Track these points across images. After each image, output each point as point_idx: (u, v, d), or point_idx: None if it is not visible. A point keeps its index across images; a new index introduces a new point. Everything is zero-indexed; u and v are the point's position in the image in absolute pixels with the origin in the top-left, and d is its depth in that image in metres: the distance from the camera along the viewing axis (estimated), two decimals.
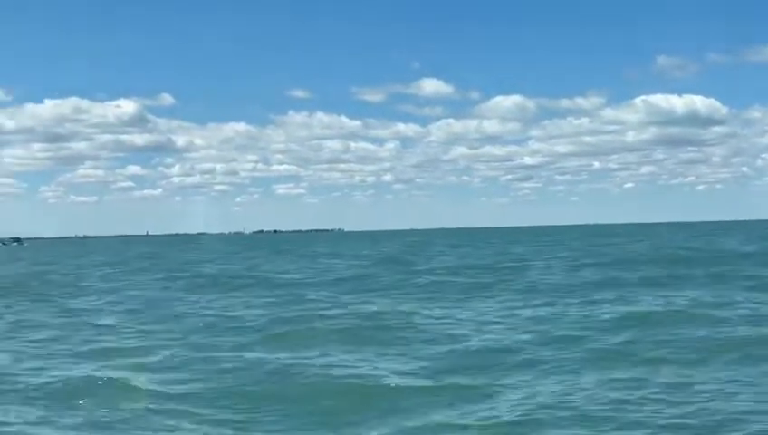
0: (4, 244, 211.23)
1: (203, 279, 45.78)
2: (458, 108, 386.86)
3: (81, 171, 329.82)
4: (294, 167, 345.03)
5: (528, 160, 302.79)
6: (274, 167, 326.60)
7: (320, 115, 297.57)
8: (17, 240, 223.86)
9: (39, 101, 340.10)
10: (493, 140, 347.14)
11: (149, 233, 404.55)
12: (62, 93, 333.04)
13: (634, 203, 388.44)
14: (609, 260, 53.43)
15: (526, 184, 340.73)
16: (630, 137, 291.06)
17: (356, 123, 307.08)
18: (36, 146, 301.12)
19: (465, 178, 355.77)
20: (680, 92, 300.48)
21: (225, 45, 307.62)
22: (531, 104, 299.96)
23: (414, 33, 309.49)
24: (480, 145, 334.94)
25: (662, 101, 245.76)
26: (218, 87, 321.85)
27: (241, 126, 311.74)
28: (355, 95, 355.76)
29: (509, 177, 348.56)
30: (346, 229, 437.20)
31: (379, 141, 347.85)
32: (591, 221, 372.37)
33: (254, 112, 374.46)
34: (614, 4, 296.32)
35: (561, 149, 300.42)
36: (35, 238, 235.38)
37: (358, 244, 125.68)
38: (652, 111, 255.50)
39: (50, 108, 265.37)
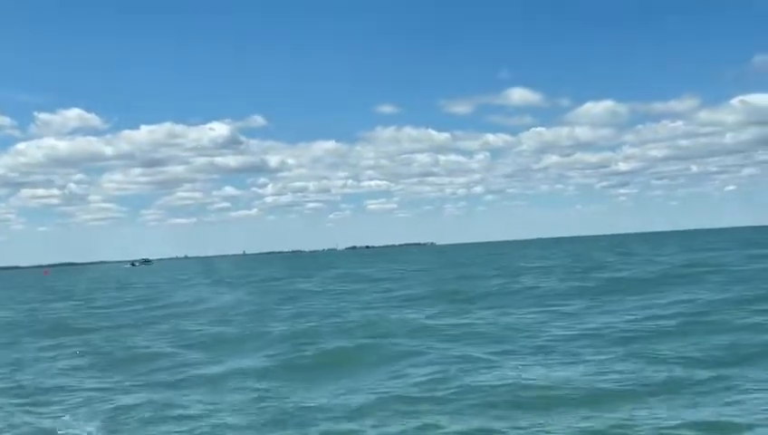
0: (133, 265, 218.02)
1: None
2: (548, 116, 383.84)
3: (178, 194, 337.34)
4: (385, 182, 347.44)
5: (623, 166, 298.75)
6: (365, 183, 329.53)
7: (408, 129, 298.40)
8: (147, 261, 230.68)
9: (135, 127, 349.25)
10: (585, 146, 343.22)
11: (246, 252, 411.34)
12: (157, 119, 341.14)
13: (736, 206, 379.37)
14: None
15: (622, 190, 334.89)
16: (729, 139, 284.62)
17: (445, 136, 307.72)
18: (135, 171, 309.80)
19: (558, 186, 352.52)
20: None
21: (311, 65, 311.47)
22: (623, 109, 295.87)
23: (500, 43, 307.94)
24: (572, 152, 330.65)
25: (761, 100, 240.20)
26: (307, 106, 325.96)
27: (330, 144, 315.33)
28: (443, 108, 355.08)
29: (604, 183, 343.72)
30: (438, 243, 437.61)
31: (469, 153, 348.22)
32: (692, 226, 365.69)
33: (343, 129, 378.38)
34: (706, 4, 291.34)
35: (657, 153, 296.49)
36: (140, 259, 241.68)
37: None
38: (751, 111, 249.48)
39: (146, 134, 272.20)
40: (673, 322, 24.55)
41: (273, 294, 49.82)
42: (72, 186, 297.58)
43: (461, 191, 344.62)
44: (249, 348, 24.00)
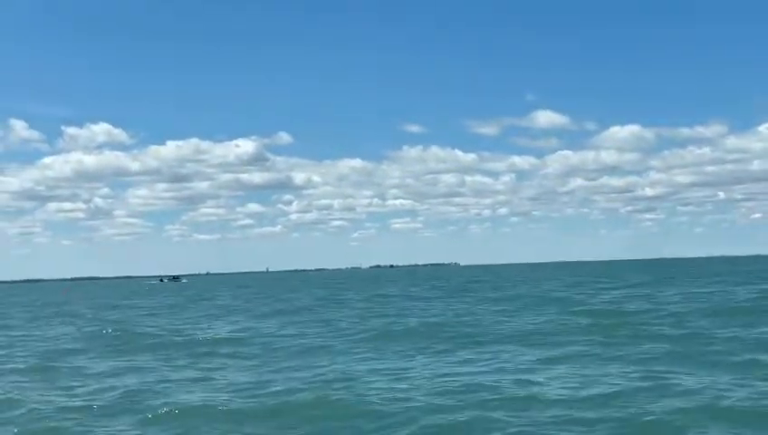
0: (162, 281, 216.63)
1: None
2: (574, 139, 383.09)
3: (203, 210, 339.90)
4: (410, 201, 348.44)
5: (648, 191, 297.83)
6: (390, 202, 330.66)
7: (434, 149, 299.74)
8: (176, 278, 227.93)
9: (161, 142, 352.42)
10: (611, 170, 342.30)
11: (269, 269, 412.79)
12: (184, 135, 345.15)
13: (762, 234, 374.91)
14: None
15: (648, 215, 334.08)
16: (756, 166, 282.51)
17: (471, 157, 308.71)
18: (160, 186, 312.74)
19: (583, 209, 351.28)
20: None
21: (338, 83, 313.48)
22: (649, 134, 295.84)
23: (527, 66, 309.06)
24: (598, 176, 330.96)
25: None
26: (333, 124, 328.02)
27: (357, 162, 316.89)
28: (469, 129, 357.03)
29: (629, 208, 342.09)
30: (462, 263, 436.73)
31: (495, 174, 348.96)
32: (717, 253, 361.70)
33: (370, 148, 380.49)
34: (733, 28, 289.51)
35: (683, 179, 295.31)
36: (170, 276, 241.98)
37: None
38: None
39: (172, 149, 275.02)
40: None
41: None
42: (98, 200, 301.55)
43: (486, 212, 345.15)
44: None
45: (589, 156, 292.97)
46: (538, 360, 23.52)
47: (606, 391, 17.72)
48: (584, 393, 17.65)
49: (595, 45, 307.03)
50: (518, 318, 38.64)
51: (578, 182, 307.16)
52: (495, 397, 17.52)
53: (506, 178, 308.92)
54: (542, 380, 19.70)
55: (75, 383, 22.36)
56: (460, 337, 30.48)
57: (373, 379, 20.80)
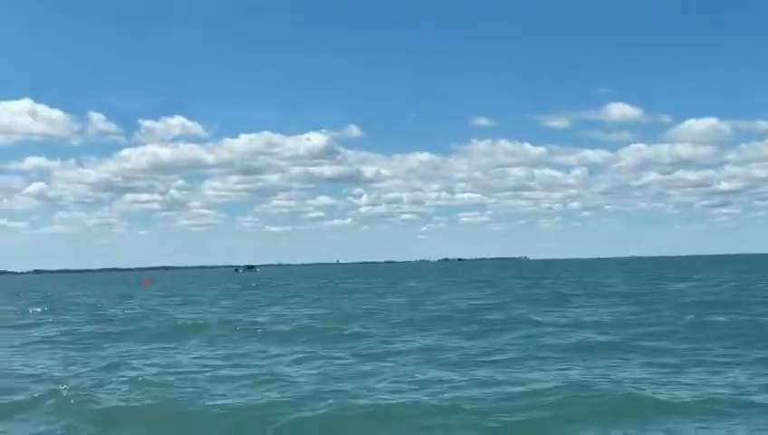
0: (237, 271, 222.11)
1: None
2: (648, 132, 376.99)
3: (274, 202, 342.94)
4: (478, 195, 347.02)
5: (725, 186, 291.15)
6: (458, 195, 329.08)
7: (503, 143, 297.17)
8: (251, 268, 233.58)
9: (235, 136, 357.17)
10: (686, 164, 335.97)
11: (339, 261, 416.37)
12: (256, 128, 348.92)
13: None
14: None
15: (724, 210, 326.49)
16: None
17: (540, 150, 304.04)
18: (233, 178, 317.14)
19: (657, 204, 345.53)
20: None
21: (407, 76, 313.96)
22: (726, 127, 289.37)
23: (599, 58, 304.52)
24: (672, 170, 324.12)
25: None
26: (402, 118, 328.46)
27: (425, 156, 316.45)
28: (539, 122, 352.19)
29: (705, 202, 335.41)
30: (531, 257, 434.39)
31: (566, 168, 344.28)
32: None
33: (438, 142, 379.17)
34: None
35: (760, 173, 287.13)
36: (244, 265, 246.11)
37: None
38: None
39: (245, 142, 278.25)
40: None
41: None
42: (174, 192, 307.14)
43: (557, 206, 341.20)
44: None
45: (663, 149, 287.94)
46: None
47: None
48: None
49: (670, 39, 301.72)
50: None
51: (652, 176, 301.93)
52: None
53: (577, 171, 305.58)
54: None
55: None
56: None
57: None
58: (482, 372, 18.76)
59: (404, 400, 15.65)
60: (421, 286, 76.10)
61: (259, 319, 36.89)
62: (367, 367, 20.09)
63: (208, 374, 19.46)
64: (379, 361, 21.32)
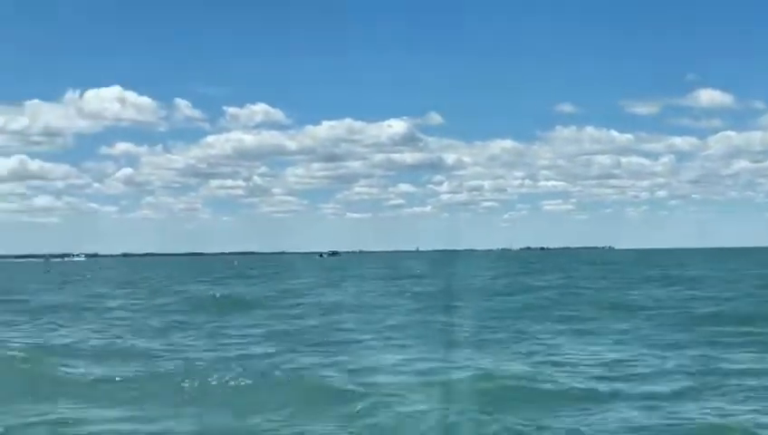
0: (321, 256, 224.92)
1: None
2: (739, 119, 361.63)
3: (356, 189, 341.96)
4: (562, 183, 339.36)
5: None
6: (542, 183, 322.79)
7: (589, 130, 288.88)
8: (335, 253, 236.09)
9: (317, 123, 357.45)
10: None
11: (419, 249, 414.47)
12: (338, 115, 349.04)
13: None
14: None
15: None
16: None
17: (627, 137, 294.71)
18: (315, 165, 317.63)
19: (748, 193, 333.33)
20: None
21: (490, 62, 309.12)
22: None
23: (688, 43, 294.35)
24: (764, 158, 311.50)
25: None
26: (485, 104, 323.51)
27: (508, 143, 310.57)
28: (625, 108, 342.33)
29: None
30: (617, 247, 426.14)
31: (653, 156, 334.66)
32: None
33: (521, 128, 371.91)
34: None
35: None
36: (328, 251, 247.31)
37: None
38: None
39: (326, 129, 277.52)
40: None
41: None
42: (257, 178, 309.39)
43: (643, 195, 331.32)
44: None
45: (755, 137, 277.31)
46: None
47: None
48: None
49: (759, 24, 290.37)
50: None
51: (742, 164, 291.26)
52: None
53: (665, 159, 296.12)
54: None
55: None
56: None
57: None
58: None
59: None
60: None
61: None
62: None
63: None
64: None
